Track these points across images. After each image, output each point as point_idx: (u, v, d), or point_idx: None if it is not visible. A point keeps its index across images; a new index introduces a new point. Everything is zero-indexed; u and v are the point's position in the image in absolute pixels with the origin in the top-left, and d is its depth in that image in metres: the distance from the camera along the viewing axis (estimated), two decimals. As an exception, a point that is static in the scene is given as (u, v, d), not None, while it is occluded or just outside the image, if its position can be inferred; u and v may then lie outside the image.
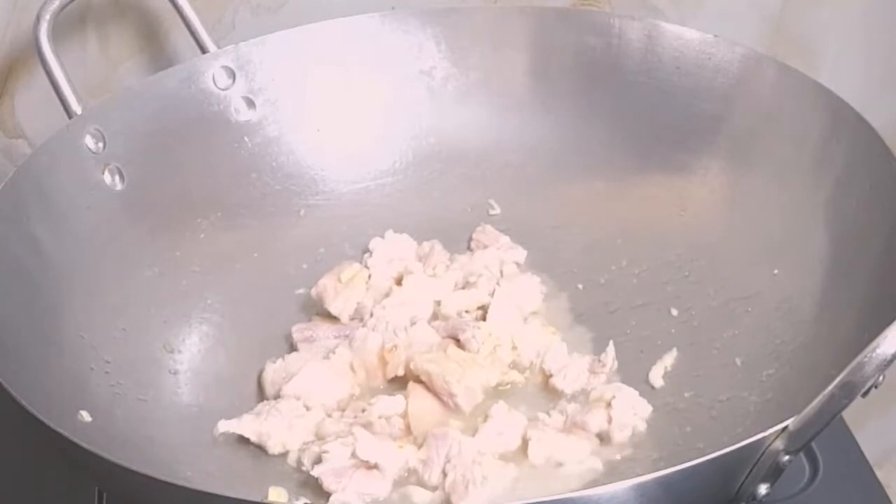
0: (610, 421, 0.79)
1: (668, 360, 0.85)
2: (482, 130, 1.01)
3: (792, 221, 0.88)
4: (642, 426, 0.80)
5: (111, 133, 0.90)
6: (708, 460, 0.63)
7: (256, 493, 0.76)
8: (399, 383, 0.84)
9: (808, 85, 0.89)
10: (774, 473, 0.66)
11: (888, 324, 0.62)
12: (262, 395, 0.86)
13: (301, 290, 0.93)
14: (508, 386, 0.85)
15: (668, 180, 0.96)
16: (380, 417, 0.80)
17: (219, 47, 0.97)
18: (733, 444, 0.64)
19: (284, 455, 0.80)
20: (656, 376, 0.84)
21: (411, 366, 0.83)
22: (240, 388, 0.87)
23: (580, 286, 0.92)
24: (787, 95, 0.91)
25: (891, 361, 0.62)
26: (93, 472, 0.73)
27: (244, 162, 0.97)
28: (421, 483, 0.77)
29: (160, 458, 0.79)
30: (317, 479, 0.77)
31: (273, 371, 0.86)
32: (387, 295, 0.90)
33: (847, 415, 0.70)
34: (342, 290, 0.90)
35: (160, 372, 0.87)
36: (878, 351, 0.62)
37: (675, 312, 0.89)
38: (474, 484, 0.75)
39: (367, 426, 0.80)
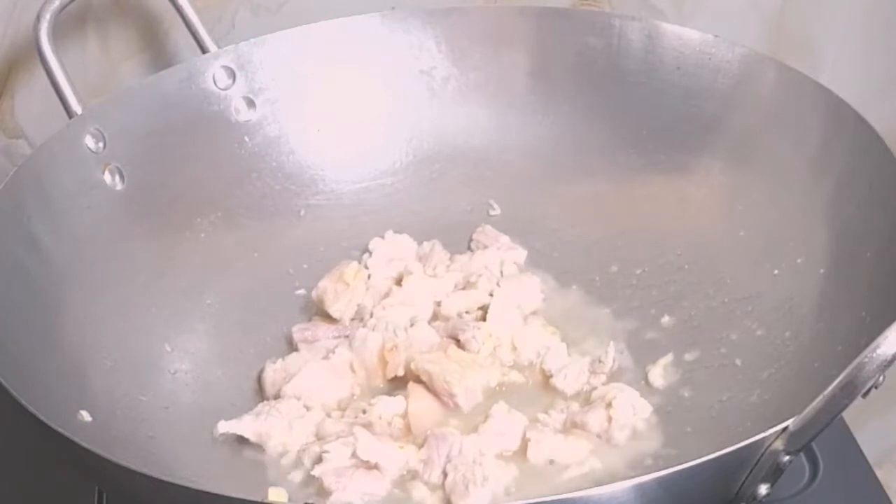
0: (610, 421, 0.79)
1: (668, 360, 0.85)
2: (482, 130, 1.01)
3: (792, 221, 0.88)
4: (642, 426, 0.80)
5: (111, 133, 0.90)
6: (708, 460, 0.63)
7: (256, 493, 0.76)
8: (399, 383, 0.84)
9: (808, 85, 0.89)
10: (774, 474, 0.66)
11: (888, 324, 0.62)
12: (262, 395, 0.86)
13: (301, 291, 0.93)
14: (509, 386, 0.85)
15: (668, 180, 0.96)
16: (380, 417, 0.80)
17: (219, 47, 0.97)
18: (733, 444, 0.64)
19: (284, 455, 0.80)
20: (656, 376, 0.84)
21: (411, 366, 0.83)
22: (240, 388, 0.87)
23: (580, 286, 0.92)
24: (787, 95, 0.91)
25: (891, 362, 0.62)
26: (93, 472, 0.73)
27: (244, 162, 0.97)
28: (421, 483, 0.77)
29: (160, 458, 0.79)
30: (317, 479, 0.77)
31: (273, 371, 0.86)
32: (387, 295, 0.90)
33: (847, 415, 0.70)
34: (342, 292, 0.89)
35: (160, 372, 0.87)
36: (879, 351, 0.62)
37: (674, 313, 0.89)
38: (475, 484, 0.75)
39: (368, 426, 0.80)
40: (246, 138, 0.98)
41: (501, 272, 0.93)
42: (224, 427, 0.81)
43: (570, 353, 0.86)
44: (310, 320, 0.91)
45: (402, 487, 0.77)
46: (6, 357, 0.73)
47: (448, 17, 1.00)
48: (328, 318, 0.90)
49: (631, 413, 0.80)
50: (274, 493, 0.77)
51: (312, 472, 0.77)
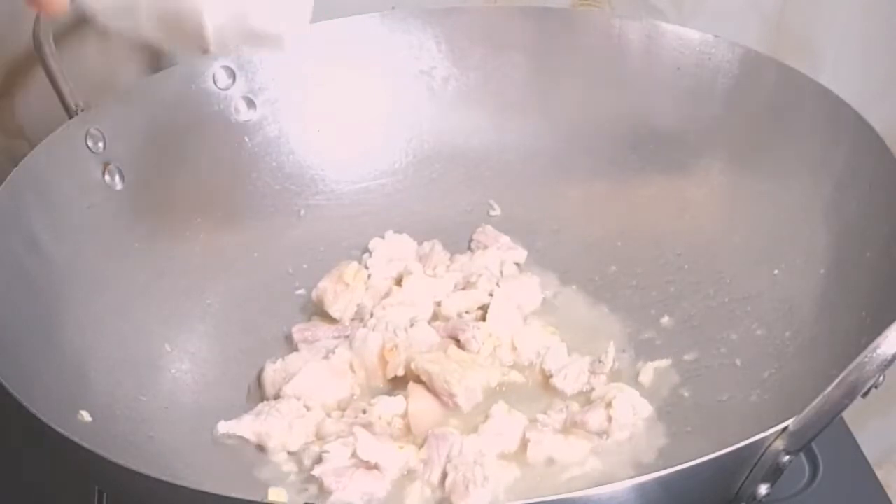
0: (610, 421, 0.79)
1: (668, 360, 0.85)
2: (482, 130, 1.01)
3: (792, 221, 0.88)
4: (642, 426, 0.80)
5: (111, 133, 0.90)
6: (708, 460, 0.63)
7: (256, 493, 0.76)
8: (399, 383, 0.84)
9: (808, 85, 0.89)
10: (774, 473, 0.66)
11: (888, 324, 0.62)
12: (262, 395, 0.86)
13: (301, 291, 0.93)
14: (509, 386, 0.85)
15: (668, 180, 0.96)
16: (380, 417, 0.80)
17: (219, 47, 0.97)
18: (733, 444, 0.64)
19: (284, 455, 0.80)
20: (646, 375, 0.84)
21: (412, 366, 0.83)
22: (240, 388, 0.87)
23: (580, 286, 0.92)
24: (787, 95, 0.91)
25: (891, 361, 0.62)
26: (93, 472, 0.73)
27: (244, 162, 0.97)
28: (421, 483, 0.77)
29: (160, 458, 0.79)
30: (317, 479, 0.77)
31: (273, 371, 0.86)
32: (387, 295, 0.90)
33: (847, 415, 0.70)
34: (342, 292, 0.89)
35: (160, 372, 0.86)
36: (879, 351, 0.62)
37: (673, 313, 0.89)
38: (475, 484, 0.75)
39: (368, 426, 0.80)
40: (246, 138, 0.98)
41: (501, 272, 0.93)
42: (224, 427, 0.81)
43: (570, 353, 0.86)
44: (310, 320, 0.91)
45: (402, 487, 0.77)
46: (6, 357, 0.73)
47: (448, 17, 1.00)
48: (328, 318, 0.90)
49: (631, 413, 0.80)
50: (274, 493, 0.77)
51: (312, 472, 0.77)
